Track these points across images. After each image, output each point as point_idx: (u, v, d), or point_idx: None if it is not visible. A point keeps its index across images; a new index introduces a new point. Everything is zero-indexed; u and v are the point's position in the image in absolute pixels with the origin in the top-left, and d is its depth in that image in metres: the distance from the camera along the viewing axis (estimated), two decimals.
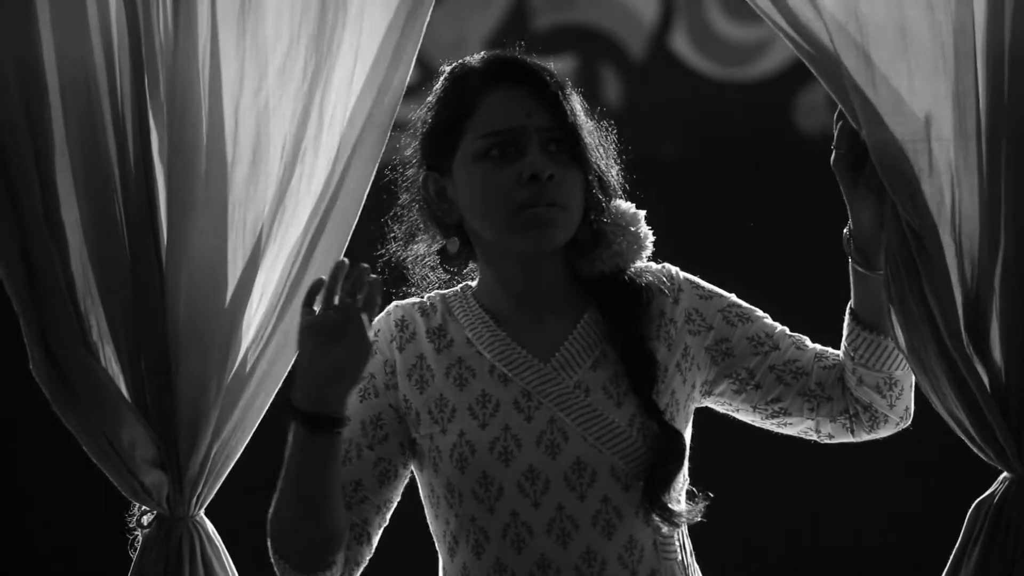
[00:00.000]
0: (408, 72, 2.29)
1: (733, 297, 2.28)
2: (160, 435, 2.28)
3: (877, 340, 2.20)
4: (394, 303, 2.26)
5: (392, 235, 2.28)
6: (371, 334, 2.10)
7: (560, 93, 2.18)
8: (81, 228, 2.29)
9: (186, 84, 2.28)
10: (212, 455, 2.29)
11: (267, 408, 2.32)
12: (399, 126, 2.33)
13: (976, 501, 2.16)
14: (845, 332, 2.23)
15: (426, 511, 2.24)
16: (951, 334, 2.15)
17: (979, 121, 2.13)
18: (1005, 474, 2.16)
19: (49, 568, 4.51)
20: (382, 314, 2.24)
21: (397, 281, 2.29)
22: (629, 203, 2.26)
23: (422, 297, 2.27)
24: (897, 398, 2.22)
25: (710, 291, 2.27)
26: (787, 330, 2.27)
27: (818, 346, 2.26)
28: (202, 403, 2.27)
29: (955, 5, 2.14)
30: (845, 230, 2.22)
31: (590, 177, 2.19)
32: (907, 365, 2.20)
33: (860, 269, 2.22)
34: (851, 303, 2.23)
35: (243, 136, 2.29)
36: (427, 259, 2.27)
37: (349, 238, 2.31)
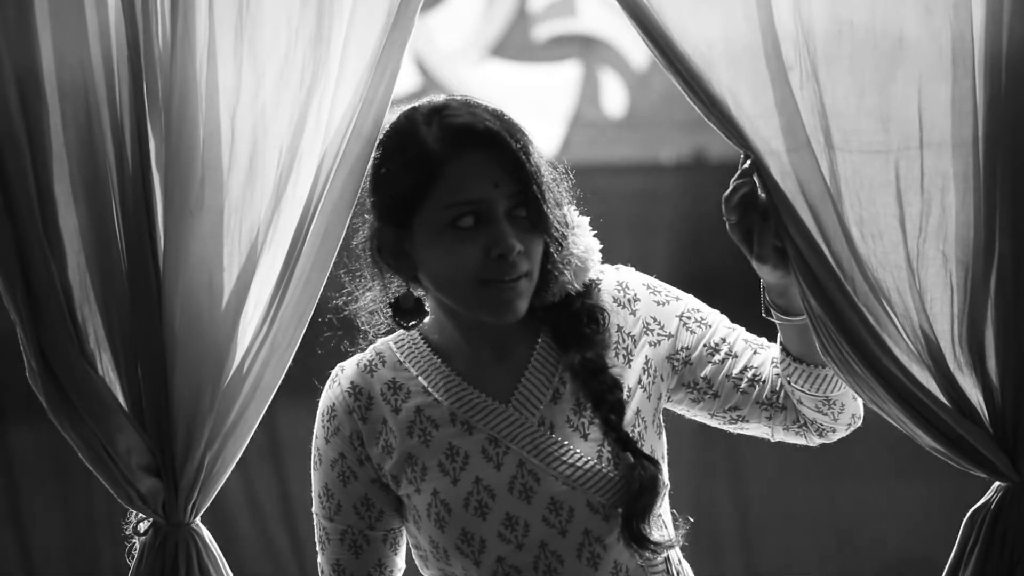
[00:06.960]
0: (394, 82, 2.28)
1: (691, 299, 2.24)
2: (155, 442, 2.28)
3: (808, 369, 2.17)
4: (338, 368, 2.24)
5: (350, 281, 2.26)
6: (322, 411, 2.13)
7: (523, 154, 2.12)
8: (79, 235, 2.28)
9: (184, 91, 2.27)
10: (206, 463, 2.28)
11: (261, 416, 2.31)
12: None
13: (971, 510, 2.14)
14: (777, 361, 2.20)
15: (415, 558, 2.24)
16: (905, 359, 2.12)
17: (976, 127, 2.12)
18: (999, 483, 2.15)
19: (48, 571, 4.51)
20: (329, 386, 2.23)
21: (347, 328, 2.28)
22: (572, 210, 2.21)
23: (365, 348, 2.24)
24: (840, 412, 2.20)
25: (667, 295, 2.23)
26: (744, 332, 2.24)
27: (775, 348, 2.22)
28: (197, 410, 2.27)
29: (953, 11, 2.13)
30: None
31: (553, 232, 2.14)
32: (843, 385, 2.16)
33: (781, 320, 2.17)
34: (779, 338, 2.20)
35: (240, 142, 2.28)
36: (378, 306, 2.24)
37: (336, 250, 2.28)
